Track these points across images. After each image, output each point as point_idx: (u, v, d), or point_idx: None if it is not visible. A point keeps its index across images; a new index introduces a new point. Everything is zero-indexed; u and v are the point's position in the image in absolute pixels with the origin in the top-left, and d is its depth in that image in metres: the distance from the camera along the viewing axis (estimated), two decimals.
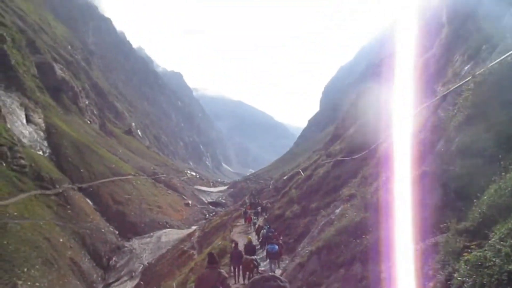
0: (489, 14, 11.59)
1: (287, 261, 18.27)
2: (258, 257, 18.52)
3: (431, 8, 18.80)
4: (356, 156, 18.54)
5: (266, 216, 30.54)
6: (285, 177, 44.37)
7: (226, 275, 7.39)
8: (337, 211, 14.53)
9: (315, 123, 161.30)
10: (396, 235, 7.47)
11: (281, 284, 2.55)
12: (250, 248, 17.18)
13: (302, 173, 32.42)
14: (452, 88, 10.30)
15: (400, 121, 12.62)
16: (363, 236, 10.06)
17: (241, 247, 18.04)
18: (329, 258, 11.20)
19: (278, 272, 15.90)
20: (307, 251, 13.15)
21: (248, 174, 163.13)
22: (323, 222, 14.60)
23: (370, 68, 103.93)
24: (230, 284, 7.68)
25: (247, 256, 15.91)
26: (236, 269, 16.47)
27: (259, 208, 35.37)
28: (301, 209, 22.27)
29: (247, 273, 15.34)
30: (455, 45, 13.92)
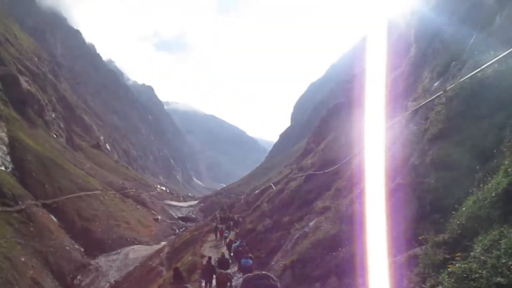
0: (456, 34, 12.10)
1: None
2: (230, 271, 18.39)
3: (400, 27, 19.65)
4: (328, 170, 18.80)
5: (237, 231, 30.57)
6: (256, 191, 44.57)
7: None
8: (311, 224, 14.50)
9: (286, 138, 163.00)
10: (372, 248, 7.38)
11: (273, 283, 2.51)
12: (224, 262, 17.19)
13: (273, 187, 32.72)
14: (424, 103, 10.66)
15: (372, 135, 12.97)
16: (339, 249, 9.94)
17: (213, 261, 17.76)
18: (304, 272, 10.99)
19: None
20: (280, 265, 12.98)
21: (219, 189, 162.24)
22: (297, 235, 14.45)
23: (340, 85, 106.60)
24: None
25: (222, 270, 15.74)
26: (208, 285, 16.10)
27: (230, 222, 35.33)
28: (273, 223, 22.31)
29: (222, 287, 14.97)
30: (424, 63, 14.55)
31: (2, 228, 43.44)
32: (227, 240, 26.93)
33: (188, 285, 7.66)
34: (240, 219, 34.87)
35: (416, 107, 11.12)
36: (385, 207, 7.94)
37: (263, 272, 2.68)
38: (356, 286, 7.78)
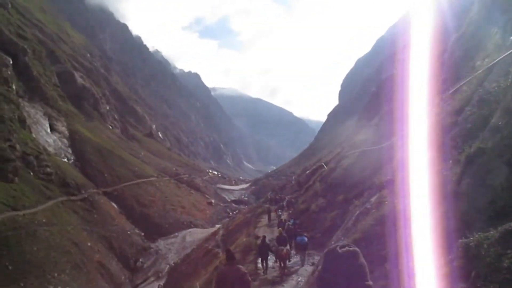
0: None
1: (316, 256, 18.07)
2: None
3: None
4: (384, 144, 17.67)
5: (290, 211, 30.44)
6: (307, 172, 44.01)
7: (245, 271, 7.38)
8: (373, 199, 13.42)
9: (334, 117, 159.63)
10: (451, 222, 6.43)
11: (361, 262, 2.23)
12: (282, 239, 17.80)
13: (325, 166, 32.05)
14: (502, 57, 9.48)
15: (434, 102, 11.94)
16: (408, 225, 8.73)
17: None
18: (370, 252, 9.77)
19: (309, 268, 16.61)
20: None
21: (269, 171, 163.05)
22: (357, 212, 13.24)
23: (389, 57, 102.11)
24: (250, 279, 7.74)
25: (281, 247, 16.72)
26: (264, 262, 17.46)
27: (284, 203, 35.26)
28: (326, 202, 21.74)
29: (282, 262, 16.37)
30: (489, 20, 13.21)
31: (69, 216, 46.44)
32: (280, 219, 27.18)
33: (240, 266, 7.66)
34: (292, 199, 34.62)
35: (490, 64, 9.89)
36: (462, 176, 7.15)
37: (352, 247, 2.24)
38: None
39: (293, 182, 54.70)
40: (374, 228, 10.21)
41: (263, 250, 17.19)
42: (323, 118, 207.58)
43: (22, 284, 31.78)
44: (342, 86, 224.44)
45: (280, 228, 20.95)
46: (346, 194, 18.89)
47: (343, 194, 19.30)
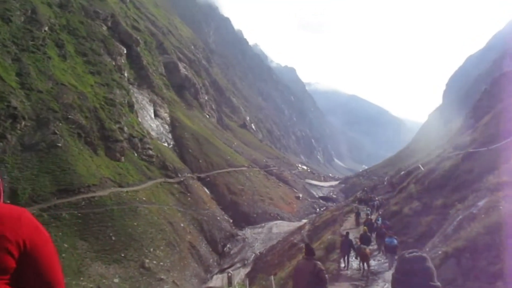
0: None
1: None
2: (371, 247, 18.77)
3: None
4: (494, 146, 15.46)
5: (380, 212, 28.75)
6: (402, 173, 41.27)
7: (322, 267, 7.36)
8: (481, 203, 11.64)
9: (436, 118, 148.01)
10: None
11: (430, 266, 2.46)
12: (366, 238, 17.87)
13: (422, 167, 29.61)
14: None
15: None
16: None
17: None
18: (476, 264, 8.39)
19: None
20: (439, 253, 10.12)
21: (361, 170, 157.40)
22: (460, 217, 11.46)
23: (506, 55, 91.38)
24: (326, 276, 7.62)
25: (364, 246, 16.45)
26: (346, 257, 17.34)
27: (375, 203, 33.58)
28: (422, 206, 19.76)
29: (364, 261, 15.97)
30: None
31: (166, 197, 49.64)
32: (368, 218, 26.41)
33: (318, 262, 7.53)
34: (384, 201, 32.65)
35: None
36: None
37: (420, 252, 2.48)
38: None
39: (385, 183, 51.82)
40: (482, 237, 8.57)
41: (345, 246, 17.24)
42: (422, 118, 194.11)
43: (122, 255, 34.76)
44: (448, 85, 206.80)
45: (365, 227, 20.40)
46: (446, 198, 16.76)
47: (443, 198, 17.19)
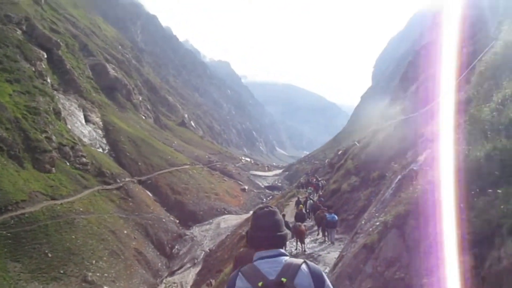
0: None
1: (344, 241, 16.32)
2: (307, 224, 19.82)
3: None
4: (426, 109, 15.56)
5: (321, 193, 29.38)
6: (339, 152, 42.56)
7: None
8: (421, 157, 9.58)
9: (368, 99, 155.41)
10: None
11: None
12: (300, 215, 18.67)
13: (357, 143, 30.54)
14: None
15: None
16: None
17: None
18: (424, 233, 6.25)
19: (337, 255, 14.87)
20: (376, 224, 8.00)
21: (302, 156, 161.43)
22: (399, 177, 9.28)
23: (424, 34, 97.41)
24: None
25: (299, 223, 17.23)
26: None
27: (320, 183, 34.21)
28: (360, 180, 20.16)
29: (299, 238, 16.75)
30: None
31: (105, 204, 47.35)
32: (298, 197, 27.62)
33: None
34: (324, 181, 33.39)
35: None
36: None
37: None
38: None
39: (326, 164, 53.43)
40: (430, 195, 6.53)
41: None
42: (356, 101, 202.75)
43: (61, 271, 32.61)
44: (375, 66, 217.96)
45: (301, 205, 21.14)
46: (383, 169, 17.01)
47: (379, 170, 17.49)
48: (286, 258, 2.56)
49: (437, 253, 5.32)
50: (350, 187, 20.25)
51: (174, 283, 39.59)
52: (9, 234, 32.83)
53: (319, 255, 15.35)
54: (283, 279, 2.38)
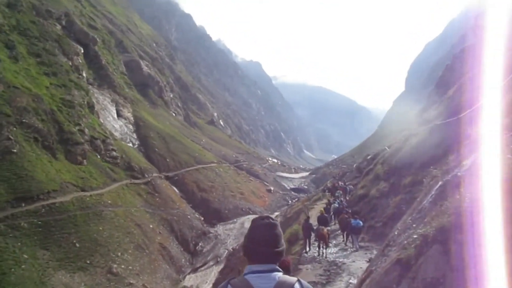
0: None
1: (375, 251, 15.20)
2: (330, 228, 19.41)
3: None
4: (468, 112, 14.39)
5: (348, 198, 28.68)
6: (368, 156, 41.56)
7: (288, 259, 7.11)
8: (468, 162, 8.27)
9: (400, 103, 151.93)
10: None
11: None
12: (323, 219, 18.53)
13: (387, 148, 29.59)
14: None
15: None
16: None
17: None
18: (475, 251, 5.23)
19: (364, 265, 13.65)
20: (414, 237, 6.74)
21: (330, 160, 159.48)
22: (440, 184, 7.88)
23: (462, 39, 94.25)
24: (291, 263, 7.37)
25: (322, 227, 17.16)
26: (307, 240, 18.04)
27: (349, 187, 33.52)
28: (390, 187, 19.22)
29: (322, 241, 16.54)
30: None
31: (133, 198, 48.11)
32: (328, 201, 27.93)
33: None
34: (352, 186, 32.58)
35: None
36: None
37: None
38: None
39: (354, 169, 52.39)
40: (480, 205, 5.69)
41: (306, 230, 17.92)
42: (388, 106, 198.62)
43: (88, 262, 33.26)
44: (409, 72, 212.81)
45: (321, 209, 20.91)
46: (415, 175, 16.10)
47: (411, 176, 16.60)
48: (280, 274, 2.43)
49: (488, 276, 4.45)
50: (378, 193, 19.45)
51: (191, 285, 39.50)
52: (39, 222, 33.81)
53: (343, 263, 14.56)
54: None
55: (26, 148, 39.72)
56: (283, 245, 2.51)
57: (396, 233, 6.95)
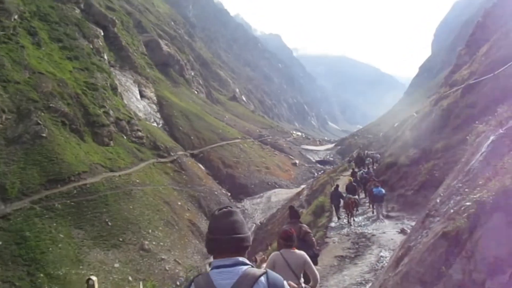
0: None
1: (407, 221, 14.45)
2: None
3: None
4: (501, 70, 12.75)
5: (375, 167, 28.09)
6: (395, 124, 40.53)
7: (309, 230, 7.12)
8: None
9: (427, 69, 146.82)
10: None
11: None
12: (351, 188, 17.96)
13: (415, 114, 28.58)
14: None
15: None
16: None
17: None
18: None
19: (396, 237, 12.73)
20: (466, 204, 4.91)
21: (355, 131, 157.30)
22: (492, 138, 5.94)
23: None
24: (313, 239, 7.25)
25: (350, 195, 16.86)
26: (335, 208, 18.00)
27: (377, 156, 32.80)
28: (420, 153, 17.91)
29: (349, 210, 16.42)
30: None
31: (160, 177, 49.02)
32: (352, 169, 27.91)
33: (304, 224, 7.27)
34: (378, 155, 31.84)
35: None
36: None
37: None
38: None
39: (380, 137, 51.44)
40: None
41: (334, 198, 17.78)
42: (413, 72, 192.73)
43: (121, 239, 34.36)
44: (436, 34, 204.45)
45: (350, 178, 20.58)
46: (448, 139, 15.20)
47: (444, 140, 15.71)
48: (245, 268, 2.19)
49: None
50: (408, 160, 18.58)
51: None
52: (72, 203, 34.98)
53: (373, 235, 13.66)
54: None
55: (55, 132, 40.80)
56: (246, 233, 2.28)
57: (438, 200, 5.36)
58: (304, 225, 7.26)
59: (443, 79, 35.81)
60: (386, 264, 9.16)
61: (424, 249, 5.22)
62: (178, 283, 32.42)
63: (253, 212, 52.91)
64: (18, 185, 33.97)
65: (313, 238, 7.34)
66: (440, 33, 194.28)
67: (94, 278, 5.84)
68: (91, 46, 60.27)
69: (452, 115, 16.42)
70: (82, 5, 67.51)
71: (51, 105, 43.21)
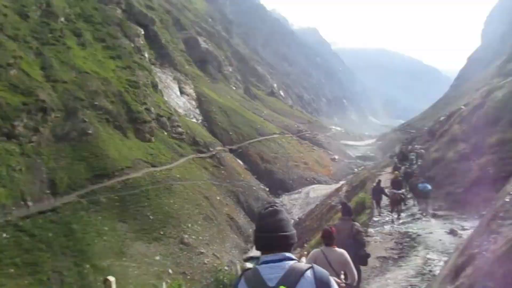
0: None
1: (457, 220, 13.52)
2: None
3: None
4: None
5: (419, 162, 26.93)
6: (441, 118, 38.77)
7: (361, 229, 6.93)
8: None
9: (476, 61, 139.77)
10: None
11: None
12: (397, 182, 17.19)
13: (463, 107, 27.13)
14: None
15: None
16: None
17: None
18: None
19: (446, 238, 11.88)
20: None
21: (397, 125, 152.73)
22: None
23: None
24: (365, 238, 7.28)
25: (394, 191, 16.24)
26: (376, 203, 17.59)
27: (421, 151, 31.50)
28: (471, 148, 16.87)
29: (394, 206, 15.98)
30: None
31: (200, 172, 49.77)
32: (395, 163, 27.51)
33: (356, 223, 7.04)
34: (423, 150, 30.49)
35: None
36: None
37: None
38: None
39: (424, 132, 49.51)
40: None
41: (376, 193, 17.37)
42: (460, 64, 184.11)
43: (162, 233, 35.18)
44: (486, 23, 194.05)
45: (396, 172, 19.82)
46: (504, 133, 14.05)
47: (498, 134, 14.56)
48: (292, 262, 2.31)
49: None
50: (457, 155, 17.40)
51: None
52: (116, 197, 36.22)
53: (418, 235, 12.72)
54: (282, 287, 2.21)
55: (100, 129, 42.38)
56: (291, 231, 2.41)
57: (508, 199, 4.40)
58: (357, 223, 7.02)
59: (495, 70, 33.89)
60: (434, 268, 8.63)
61: (493, 259, 4.34)
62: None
63: (291, 208, 52.63)
64: (66, 180, 35.55)
65: (364, 238, 7.11)
66: (491, 20, 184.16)
67: (112, 278, 5.92)
68: (133, 45, 62.00)
69: (507, 106, 15.33)
70: (123, 5, 69.49)
71: (96, 103, 44.92)
